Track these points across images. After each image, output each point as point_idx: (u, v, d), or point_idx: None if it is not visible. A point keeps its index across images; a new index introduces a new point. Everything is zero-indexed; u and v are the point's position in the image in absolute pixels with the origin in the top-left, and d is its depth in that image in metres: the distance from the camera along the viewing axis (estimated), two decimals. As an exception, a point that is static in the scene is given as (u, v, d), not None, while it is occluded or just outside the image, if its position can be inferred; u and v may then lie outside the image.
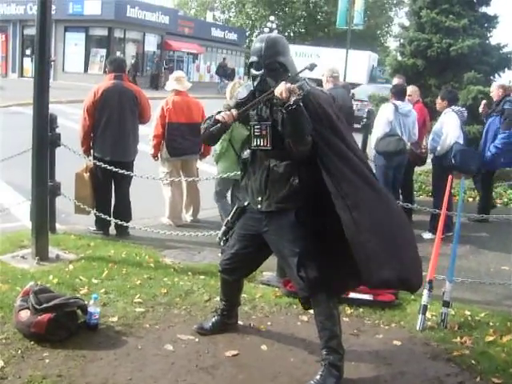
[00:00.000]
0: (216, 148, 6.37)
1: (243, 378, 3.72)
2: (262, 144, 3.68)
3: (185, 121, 7.02)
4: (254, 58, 3.67)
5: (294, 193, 3.65)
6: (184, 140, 7.03)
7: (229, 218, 4.04)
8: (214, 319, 4.33)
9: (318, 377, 3.65)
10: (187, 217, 7.56)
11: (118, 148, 6.51)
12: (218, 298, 4.56)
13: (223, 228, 4.06)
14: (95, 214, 6.52)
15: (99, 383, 3.53)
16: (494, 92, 8.43)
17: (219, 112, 3.68)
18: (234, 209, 4.05)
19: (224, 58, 40.12)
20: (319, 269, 3.62)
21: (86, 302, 4.23)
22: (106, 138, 6.48)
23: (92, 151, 6.61)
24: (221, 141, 6.40)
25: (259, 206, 3.79)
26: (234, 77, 33.85)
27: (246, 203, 3.95)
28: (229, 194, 6.96)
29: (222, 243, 4.12)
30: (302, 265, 3.64)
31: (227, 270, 4.07)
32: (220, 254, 4.43)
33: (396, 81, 8.76)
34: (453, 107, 7.37)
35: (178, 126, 7.00)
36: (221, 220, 6.73)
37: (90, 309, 4.13)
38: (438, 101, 7.62)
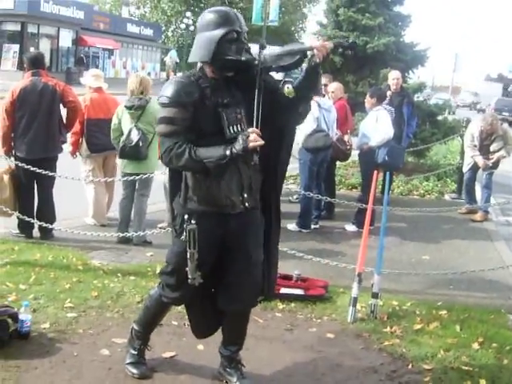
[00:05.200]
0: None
1: (184, 380, 3.71)
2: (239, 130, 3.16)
3: (103, 116, 6.92)
4: (234, 28, 3.14)
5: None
6: (103, 136, 6.88)
7: (191, 249, 3.17)
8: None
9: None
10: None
11: (38, 145, 6.31)
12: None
13: (191, 265, 3.20)
14: (18, 216, 6.31)
15: (36, 393, 3.44)
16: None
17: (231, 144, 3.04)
18: (188, 236, 3.19)
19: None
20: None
21: (16, 310, 4.10)
22: (26, 137, 6.28)
23: (13, 151, 6.40)
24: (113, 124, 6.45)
25: (241, 206, 3.26)
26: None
27: (193, 222, 3.21)
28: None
29: (196, 283, 3.26)
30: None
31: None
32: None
33: (323, 79, 8.88)
34: (384, 105, 7.53)
35: (96, 122, 6.94)
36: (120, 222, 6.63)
37: (21, 316, 3.99)
38: (367, 99, 7.73)
